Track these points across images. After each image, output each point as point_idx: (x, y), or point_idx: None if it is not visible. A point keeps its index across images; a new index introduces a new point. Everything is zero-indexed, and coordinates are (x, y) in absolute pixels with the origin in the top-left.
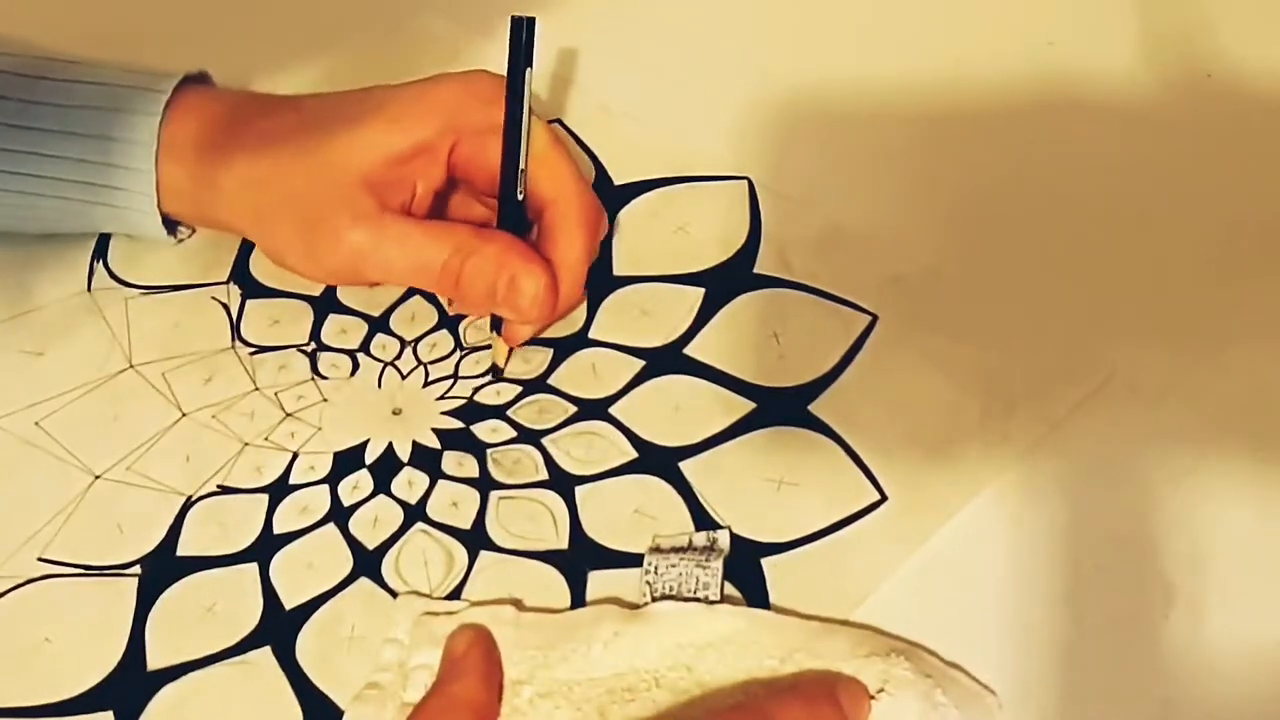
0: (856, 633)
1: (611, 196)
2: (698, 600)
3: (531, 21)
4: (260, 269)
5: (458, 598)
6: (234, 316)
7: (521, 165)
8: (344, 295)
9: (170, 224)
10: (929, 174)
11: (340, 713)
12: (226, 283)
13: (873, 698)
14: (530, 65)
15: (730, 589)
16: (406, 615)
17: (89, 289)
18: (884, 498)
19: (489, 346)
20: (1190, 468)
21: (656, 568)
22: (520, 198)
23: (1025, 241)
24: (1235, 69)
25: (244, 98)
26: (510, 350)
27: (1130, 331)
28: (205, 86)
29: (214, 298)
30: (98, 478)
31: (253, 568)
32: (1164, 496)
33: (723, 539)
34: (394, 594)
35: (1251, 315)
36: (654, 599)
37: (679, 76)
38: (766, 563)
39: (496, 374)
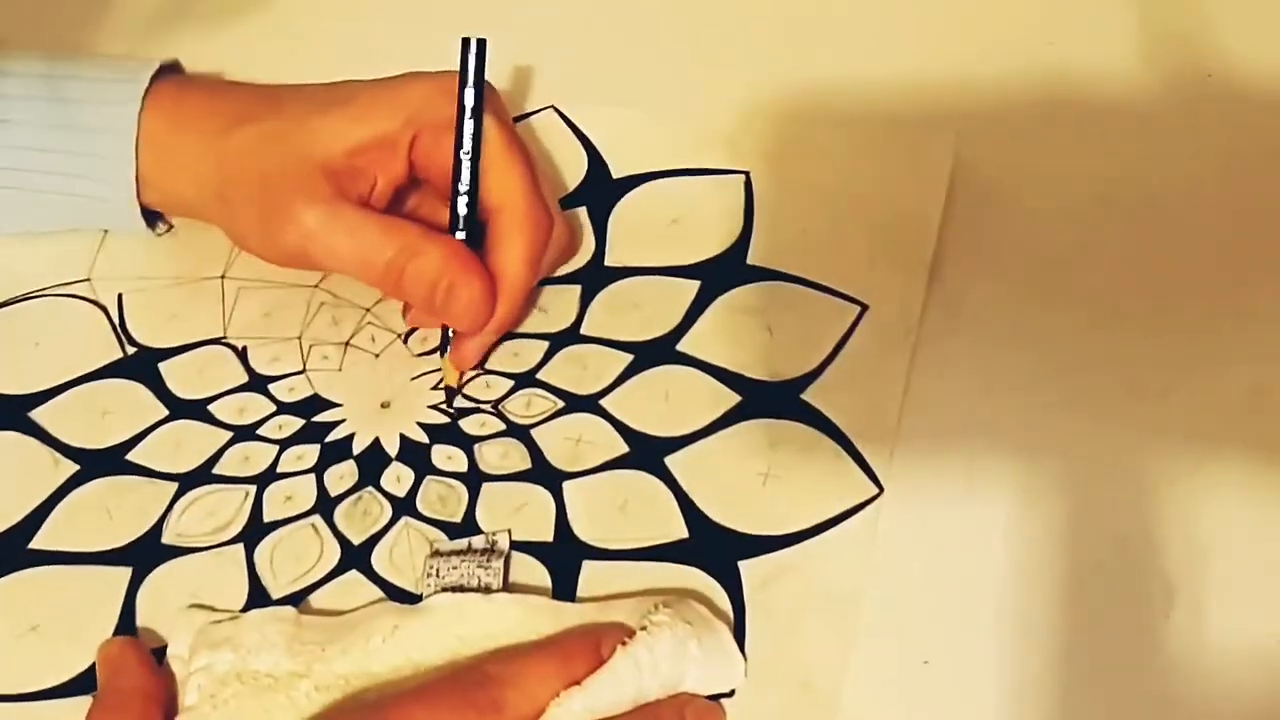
0: (631, 602)
1: (609, 189)
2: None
3: (482, 43)
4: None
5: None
6: (228, 309)
7: (466, 186)
8: (334, 286)
9: (149, 217)
10: None
11: None
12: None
13: (625, 640)
14: (480, 86)
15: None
16: (187, 631)
17: (89, 277)
18: (881, 490)
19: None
20: (1190, 468)
21: (438, 570)
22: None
23: (1023, 241)
24: (1235, 69)
25: (219, 85)
26: (462, 373)
27: (1131, 330)
28: (180, 76)
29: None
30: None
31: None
32: (1164, 496)
33: (502, 541)
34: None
35: (1252, 315)
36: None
37: (678, 73)
38: (744, 565)
39: (450, 394)
